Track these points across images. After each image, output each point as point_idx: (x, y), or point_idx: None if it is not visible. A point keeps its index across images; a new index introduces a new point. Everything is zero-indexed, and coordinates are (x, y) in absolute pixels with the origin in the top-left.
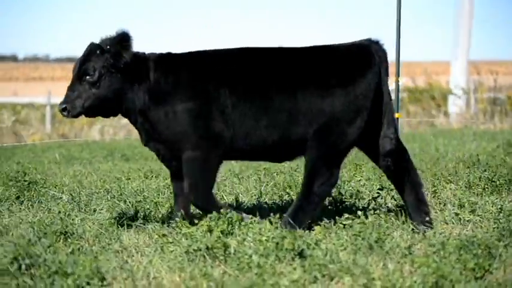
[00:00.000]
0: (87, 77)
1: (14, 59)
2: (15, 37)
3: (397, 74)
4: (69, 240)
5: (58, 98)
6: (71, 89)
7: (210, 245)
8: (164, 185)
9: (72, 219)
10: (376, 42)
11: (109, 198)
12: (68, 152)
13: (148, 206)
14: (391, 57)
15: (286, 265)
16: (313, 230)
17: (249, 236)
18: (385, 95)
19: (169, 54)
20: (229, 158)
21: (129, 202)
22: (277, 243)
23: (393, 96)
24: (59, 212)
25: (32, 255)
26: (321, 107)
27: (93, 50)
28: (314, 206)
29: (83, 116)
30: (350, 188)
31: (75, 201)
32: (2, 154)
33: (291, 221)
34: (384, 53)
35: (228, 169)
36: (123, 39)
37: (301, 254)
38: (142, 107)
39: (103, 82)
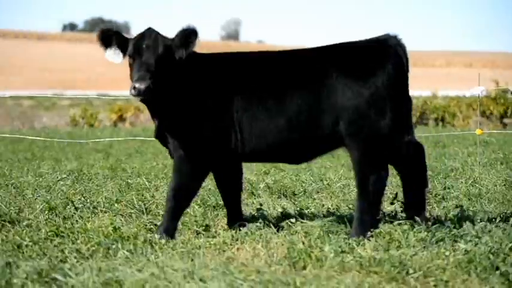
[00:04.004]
0: (160, 61)
1: None
2: None
3: None
4: None
5: None
6: (141, 69)
7: None
8: None
9: None
10: (395, 37)
11: None
12: None
13: None
14: None
15: None
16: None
17: None
18: (406, 90)
19: (212, 54)
20: (245, 160)
21: None
22: None
23: None
24: None
25: None
26: (345, 104)
27: (162, 38)
28: (376, 205)
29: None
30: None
31: None
32: None
33: (360, 228)
34: (403, 48)
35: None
36: (190, 35)
37: None
38: (166, 100)
39: (164, 69)
